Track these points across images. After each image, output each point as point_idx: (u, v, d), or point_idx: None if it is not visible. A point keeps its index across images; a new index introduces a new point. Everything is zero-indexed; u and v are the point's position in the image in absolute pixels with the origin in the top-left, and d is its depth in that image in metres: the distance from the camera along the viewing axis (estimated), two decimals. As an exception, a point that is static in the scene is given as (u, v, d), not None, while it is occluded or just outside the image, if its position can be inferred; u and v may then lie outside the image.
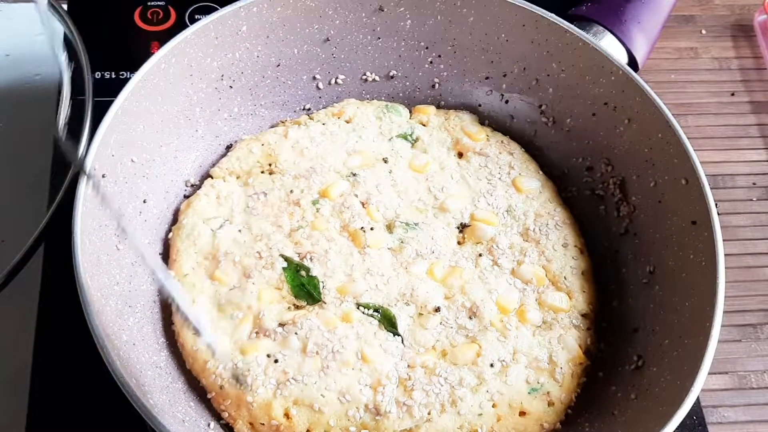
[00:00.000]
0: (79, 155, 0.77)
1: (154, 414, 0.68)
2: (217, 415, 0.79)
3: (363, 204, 0.88)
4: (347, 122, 0.94)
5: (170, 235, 0.87)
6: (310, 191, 0.88)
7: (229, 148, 0.95)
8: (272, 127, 0.96)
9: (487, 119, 0.98)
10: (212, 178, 0.90)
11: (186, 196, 0.91)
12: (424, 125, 0.95)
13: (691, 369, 0.72)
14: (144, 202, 0.86)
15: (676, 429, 0.69)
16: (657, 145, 0.85)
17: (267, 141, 0.92)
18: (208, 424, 0.77)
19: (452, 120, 0.96)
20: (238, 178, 0.90)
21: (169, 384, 0.78)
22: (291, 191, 0.88)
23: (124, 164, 0.83)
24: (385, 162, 0.92)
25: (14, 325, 0.89)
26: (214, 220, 0.86)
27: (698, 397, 0.89)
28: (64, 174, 0.80)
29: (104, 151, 0.79)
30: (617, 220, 0.90)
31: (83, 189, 0.76)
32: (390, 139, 0.93)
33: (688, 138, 0.83)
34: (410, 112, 0.98)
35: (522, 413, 0.79)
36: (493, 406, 0.78)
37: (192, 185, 0.92)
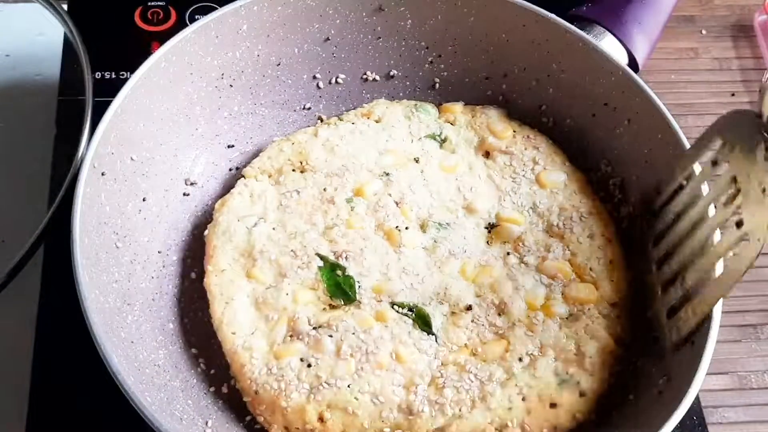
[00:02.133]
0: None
1: (151, 412, 0.68)
2: (214, 413, 0.79)
3: (397, 203, 0.88)
4: (376, 122, 0.94)
5: (206, 232, 0.87)
6: (344, 189, 0.88)
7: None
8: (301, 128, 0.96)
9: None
10: (244, 177, 0.90)
11: (185, 194, 0.91)
12: (452, 124, 0.95)
13: (690, 371, 0.72)
14: (143, 200, 0.86)
15: (676, 429, 0.69)
16: (656, 147, 0.85)
17: (297, 140, 0.92)
18: (206, 423, 0.77)
19: (479, 117, 0.95)
20: (270, 176, 0.90)
21: (166, 382, 0.78)
22: (324, 189, 0.88)
23: (124, 162, 0.83)
24: (417, 162, 0.91)
25: (14, 325, 0.89)
26: (248, 218, 0.86)
27: (698, 398, 0.89)
28: (64, 174, 0.80)
29: (104, 149, 0.79)
30: (617, 221, 0.89)
31: (83, 187, 0.76)
32: (419, 139, 0.93)
33: (688, 138, 0.83)
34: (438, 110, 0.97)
35: (553, 405, 0.78)
36: (522, 400, 0.78)
37: (192, 183, 0.92)
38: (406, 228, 0.86)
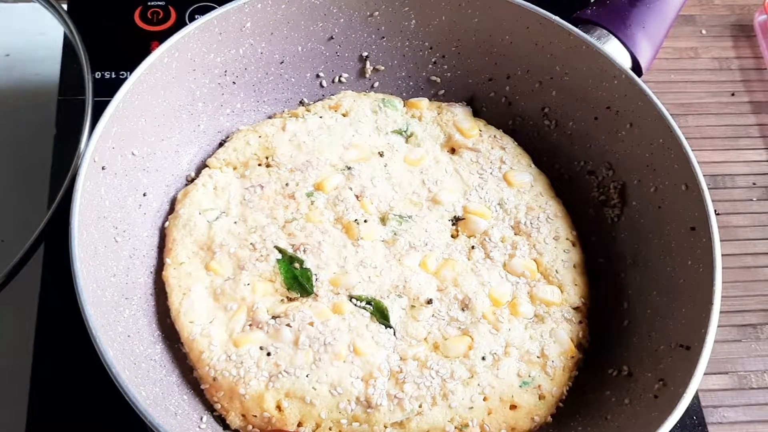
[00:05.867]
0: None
1: (144, 406, 0.68)
2: (210, 408, 0.79)
3: (357, 197, 0.88)
4: (344, 116, 0.94)
5: (166, 224, 0.87)
6: (305, 184, 0.88)
7: (226, 140, 0.94)
8: (269, 118, 0.96)
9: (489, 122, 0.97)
10: (209, 168, 0.90)
11: (185, 189, 0.91)
12: (418, 120, 0.95)
13: (686, 375, 0.72)
14: (144, 195, 0.86)
15: (676, 429, 0.70)
16: (658, 151, 0.85)
17: (264, 133, 0.91)
18: (201, 418, 0.77)
19: (445, 114, 0.95)
20: (234, 169, 0.90)
21: (162, 377, 0.78)
22: (287, 184, 0.88)
23: (125, 157, 0.83)
24: (381, 155, 0.92)
25: (14, 325, 0.89)
26: (210, 211, 0.86)
27: (698, 398, 0.90)
28: (64, 174, 0.80)
29: (105, 143, 0.79)
30: (617, 224, 0.90)
31: (83, 181, 0.76)
32: (386, 134, 0.93)
33: (688, 138, 0.83)
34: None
35: (513, 407, 0.79)
36: (484, 400, 0.79)
37: (192, 180, 0.91)
38: (365, 221, 0.86)
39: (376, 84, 0.99)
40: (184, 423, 0.75)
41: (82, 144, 0.82)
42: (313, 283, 0.82)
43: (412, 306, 0.82)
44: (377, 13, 0.94)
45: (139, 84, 0.82)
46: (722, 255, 0.78)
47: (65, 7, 0.97)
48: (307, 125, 0.92)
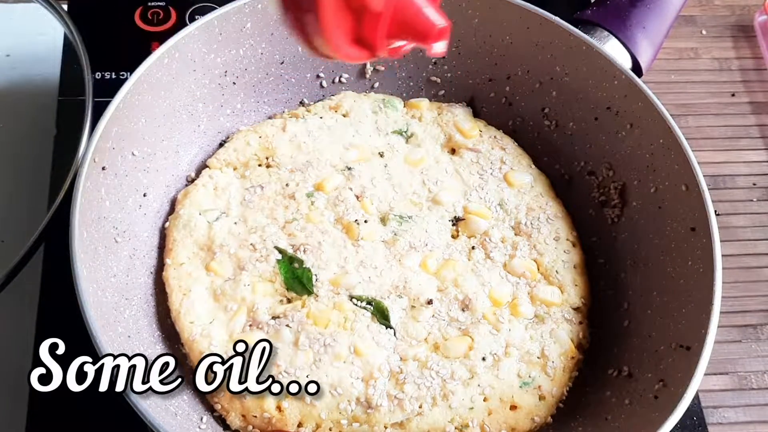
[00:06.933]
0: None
1: (144, 407, 0.68)
2: (210, 409, 0.79)
3: (357, 197, 0.88)
4: (344, 116, 0.94)
5: (167, 224, 0.87)
6: (305, 184, 0.88)
7: (226, 140, 0.94)
8: (269, 118, 0.96)
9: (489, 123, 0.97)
10: (209, 168, 0.90)
11: (185, 190, 0.91)
12: (418, 120, 0.95)
13: (686, 376, 0.72)
14: (144, 195, 0.86)
15: (676, 430, 0.70)
16: (658, 151, 0.85)
17: (264, 133, 0.92)
18: (201, 418, 0.77)
19: (445, 115, 0.95)
20: (235, 169, 0.90)
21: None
22: (287, 184, 0.88)
23: (125, 157, 0.83)
24: (381, 156, 0.92)
25: (14, 325, 0.89)
26: (210, 212, 0.86)
27: (698, 398, 0.90)
28: (64, 174, 0.80)
29: (105, 143, 0.79)
30: (617, 225, 0.90)
31: (83, 181, 0.76)
32: (386, 134, 0.93)
33: (688, 139, 0.83)
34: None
35: (513, 407, 0.79)
36: (484, 400, 0.79)
37: (193, 180, 0.91)
38: (365, 221, 0.86)
39: (377, 84, 0.99)
40: (184, 423, 0.75)
41: (82, 144, 0.82)
42: (313, 284, 0.82)
43: (413, 306, 0.82)
44: (378, 13, 0.94)
45: (140, 84, 0.82)
46: (722, 255, 0.78)
47: (65, 7, 0.97)
48: (308, 126, 0.92)
